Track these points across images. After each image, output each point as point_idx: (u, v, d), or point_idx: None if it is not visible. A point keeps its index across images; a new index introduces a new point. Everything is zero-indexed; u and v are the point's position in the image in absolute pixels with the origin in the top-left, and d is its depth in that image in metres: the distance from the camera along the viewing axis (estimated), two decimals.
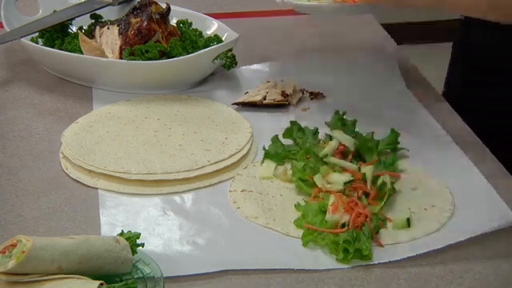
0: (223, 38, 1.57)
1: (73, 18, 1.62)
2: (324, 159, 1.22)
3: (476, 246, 1.09)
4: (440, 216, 1.15)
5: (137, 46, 1.48)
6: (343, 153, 1.24)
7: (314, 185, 1.19)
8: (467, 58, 1.60)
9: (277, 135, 1.32)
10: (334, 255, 1.07)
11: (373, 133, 1.28)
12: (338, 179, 1.18)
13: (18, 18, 1.64)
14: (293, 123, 1.34)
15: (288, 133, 1.33)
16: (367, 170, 1.18)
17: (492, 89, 1.53)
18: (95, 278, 0.94)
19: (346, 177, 1.18)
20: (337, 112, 1.34)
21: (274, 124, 1.39)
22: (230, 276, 1.04)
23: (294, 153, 1.28)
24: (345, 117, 1.33)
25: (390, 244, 1.09)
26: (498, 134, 1.46)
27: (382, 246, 1.09)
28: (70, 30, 1.62)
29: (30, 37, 1.58)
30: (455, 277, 1.04)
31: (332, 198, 1.13)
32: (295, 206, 1.16)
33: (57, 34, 1.58)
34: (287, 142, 1.32)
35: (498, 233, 1.11)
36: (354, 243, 1.06)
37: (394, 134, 1.29)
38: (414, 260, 1.07)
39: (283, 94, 1.46)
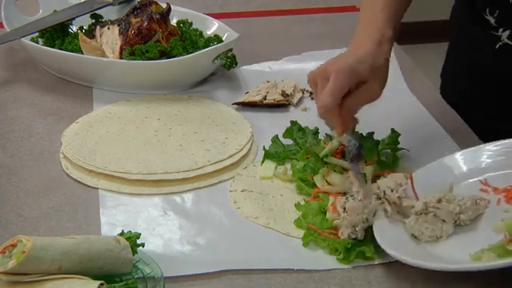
0: (223, 38, 1.57)
1: (73, 18, 1.61)
2: (324, 159, 1.22)
3: None
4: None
5: (137, 45, 1.47)
6: (343, 153, 1.24)
7: (314, 185, 1.19)
8: (459, 55, 1.59)
9: (277, 135, 1.32)
10: (335, 255, 1.07)
11: (373, 133, 1.28)
12: (339, 179, 1.18)
13: (18, 18, 1.64)
14: (293, 123, 1.34)
15: (288, 133, 1.33)
16: (367, 170, 1.18)
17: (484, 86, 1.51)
18: (95, 278, 0.94)
19: (347, 177, 1.18)
20: None
21: (274, 124, 1.39)
22: (230, 276, 1.04)
23: (294, 153, 1.28)
24: None
25: None
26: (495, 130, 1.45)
27: None
28: (70, 30, 1.62)
29: (30, 37, 1.58)
30: (456, 276, 1.04)
31: (332, 198, 1.13)
32: (295, 205, 1.16)
33: (57, 33, 1.58)
34: (287, 141, 1.32)
35: None
36: (357, 245, 1.06)
37: (394, 134, 1.29)
38: None
39: (283, 93, 1.46)
